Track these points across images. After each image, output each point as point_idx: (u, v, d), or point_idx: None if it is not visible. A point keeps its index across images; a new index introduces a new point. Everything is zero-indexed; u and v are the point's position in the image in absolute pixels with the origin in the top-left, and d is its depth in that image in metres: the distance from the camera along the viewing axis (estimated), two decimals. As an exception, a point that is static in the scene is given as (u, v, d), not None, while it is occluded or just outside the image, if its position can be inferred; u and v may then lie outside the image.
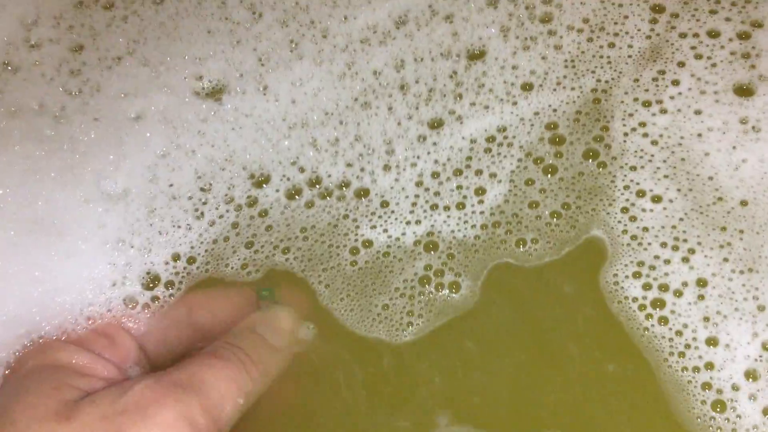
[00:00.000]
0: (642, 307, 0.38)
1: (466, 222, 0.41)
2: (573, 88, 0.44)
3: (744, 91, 0.44)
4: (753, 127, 0.43)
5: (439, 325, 0.39)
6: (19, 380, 0.32)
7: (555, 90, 0.45)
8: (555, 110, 0.44)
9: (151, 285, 0.39)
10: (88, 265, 0.39)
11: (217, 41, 0.48)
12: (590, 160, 0.42)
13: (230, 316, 0.37)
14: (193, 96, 0.46)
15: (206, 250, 0.41)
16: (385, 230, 0.41)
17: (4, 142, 0.44)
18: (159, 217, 0.41)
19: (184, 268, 0.40)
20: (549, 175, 0.42)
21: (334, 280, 0.40)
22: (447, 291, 0.39)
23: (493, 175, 0.42)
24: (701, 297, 0.38)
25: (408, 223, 0.41)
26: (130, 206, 0.41)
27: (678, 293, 0.38)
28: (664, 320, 0.38)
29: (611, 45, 0.46)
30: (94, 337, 0.35)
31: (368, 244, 0.41)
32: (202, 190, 0.42)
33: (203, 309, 0.38)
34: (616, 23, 0.47)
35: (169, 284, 0.39)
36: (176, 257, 0.40)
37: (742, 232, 0.40)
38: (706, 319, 0.38)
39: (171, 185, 0.42)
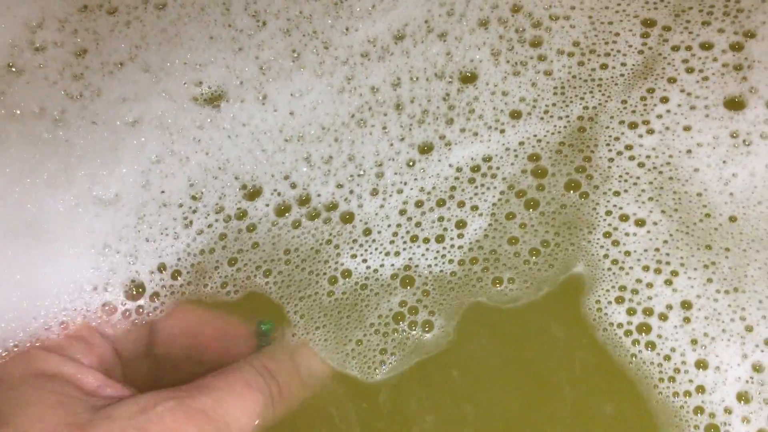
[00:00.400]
0: (628, 333, 0.37)
1: (444, 256, 0.41)
2: (560, 117, 0.44)
3: (735, 104, 0.43)
4: (744, 141, 0.42)
5: (411, 365, 0.38)
6: (14, 390, 0.32)
7: (542, 118, 0.44)
8: (539, 141, 0.43)
9: (134, 294, 0.39)
10: (70, 270, 0.39)
11: (219, 48, 0.48)
12: (572, 192, 0.42)
13: (213, 341, 0.37)
14: (191, 102, 0.46)
15: (191, 264, 0.40)
16: (365, 260, 0.41)
17: (1, 144, 0.44)
18: (147, 224, 0.41)
19: (170, 285, 0.40)
20: (530, 210, 0.41)
21: (310, 310, 0.40)
22: (420, 330, 0.39)
23: (474, 208, 0.42)
24: (687, 320, 0.38)
25: (387, 254, 0.41)
26: (119, 212, 0.41)
27: (663, 317, 0.38)
28: (651, 345, 0.37)
29: (603, 66, 0.45)
30: (68, 342, 0.35)
31: (347, 274, 0.40)
32: (193, 198, 0.42)
33: (186, 327, 0.38)
34: (606, 43, 0.46)
35: (155, 296, 0.39)
36: (162, 268, 0.40)
37: (728, 250, 0.39)
38: (694, 341, 0.37)
39: (162, 192, 0.42)
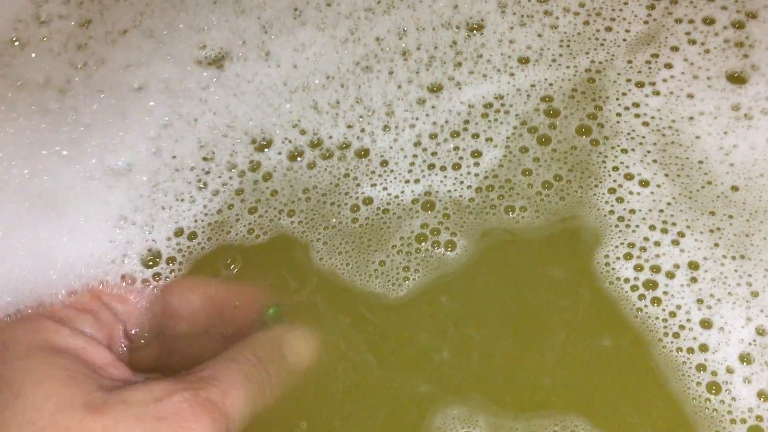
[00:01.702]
0: (634, 288, 0.37)
1: (462, 183, 0.40)
2: (568, 66, 0.44)
3: (736, 78, 0.43)
4: (745, 115, 0.42)
5: (434, 281, 0.38)
6: (23, 361, 0.31)
7: (551, 66, 0.44)
8: (551, 84, 0.43)
9: (150, 263, 0.38)
10: (87, 243, 0.38)
11: (222, 11, 0.47)
12: (583, 136, 0.41)
13: (212, 309, 0.36)
14: (195, 64, 0.45)
15: (209, 223, 0.40)
16: (385, 188, 0.40)
17: (10, 114, 0.43)
18: (162, 191, 0.40)
19: (187, 247, 0.39)
20: (543, 145, 0.41)
21: (333, 238, 0.39)
22: (443, 249, 0.39)
23: (489, 140, 0.41)
24: (694, 279, 0.37)
25: (407, 182, 0.40)
26: (133, 182, 0.41)
27: (670, 275, 0.37)
28: (657, 301, 0.37)
29: (608, 29, 0.45)
30: (78, 315, 0.34)
31: (369, 201, 0.40)
32: (204, 159, 0.41)
33: (187, 297, 0.37)
34: (613, 9, 0.46)
35: (171, 260, 0.39)
36: (179, 233, 0.39)
37: (731, 217, 0.39)
38: (700, 301, 0.37)
39: (174, 157, 0.42)
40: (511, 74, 0.43)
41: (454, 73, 0.43)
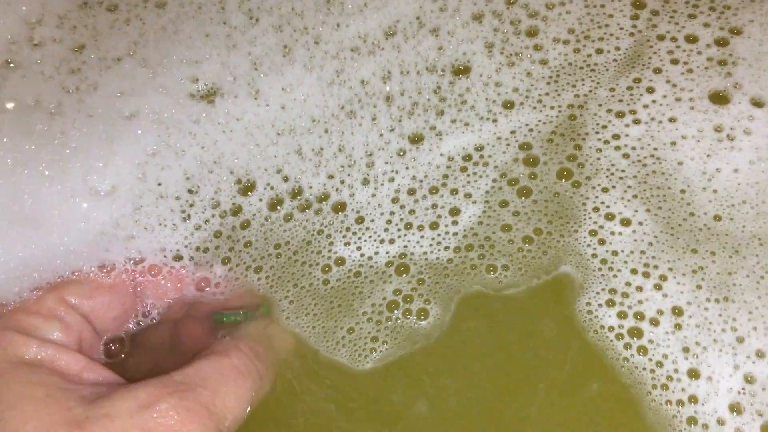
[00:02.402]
0: (619, 336, 0.37)
1: (439, 243, 0.41)
2: (552, 107, 0.44)
3: (719, 98, 0.44)
4: (728, 136, 0.42)
5: (403, 353, 0.38)
6: None
7: (535, 108, 0.44)
8: (531, 130, 0.44)
9: (135, 263, 0.39)
10: (68, 259, 0.39)
11: (214, 45, 0.48)
12: (564, 180, 0.42)
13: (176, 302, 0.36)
14: (187, 97, 0.46)
15: (190, 257, 0.41)
16: (359, 248, 0.41)
17: (-6, 135, 0.44)
18: (145, 214, 0.41)
19: (171, 266, 0.40)
20: (523, 198, 0.41)
21: (302, 298, 0.40)
22: (414, 318, 0.39)
23: (468, 195, 0.42)
24: (678, 326, 0.37)
25: (382, 241, 0.41)
26: (116, 202, 0.41)
27: (654, 322, 0.38)
28: (643, 350, 0.37)
29: (599, 51, 0.46)
30: (44, 322, 0.33)
31: (341, 262, 0.41)
32: (189, 191, 0.43)
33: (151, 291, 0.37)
34: (600, 27, 0.46)
35: (154, 267, 0.39)
36: (162, 250, 0.40)
37: (713, 254, 0.39)
38: (686, 349, 0.37)
39: (159, 184, 0.43)
40: (494, 121, 0.44)
41: (436, 122, 0.44)
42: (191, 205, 0.42)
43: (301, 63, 0.47)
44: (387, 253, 0.40)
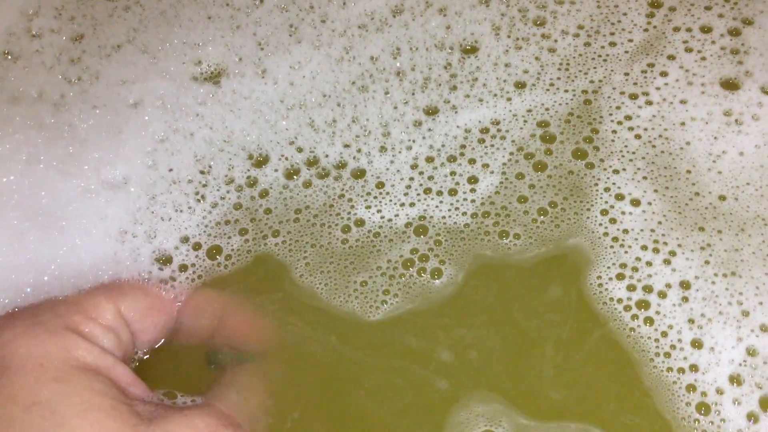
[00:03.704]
0: (627, 308, 0.38)
1: (457, 209, 0.41)
2: (566, 90, 0.45)
3: (730, 85, 0.45)
4: (736, 120, 0.43)
5: (413, 307, 0.38)
6: (63, 384, 0.30)
7: (548, 90, 0.45)
8: (547, 109, 0.44)
9: (162, 266, 0.39)
10: (91, 257, 0.39)
11: (217, 27, 0.48)
12: (579, 160, 0.42)
13: (237, 331, 0.37)
14: (192, 81, 0.46)
15: (209, 235, 0.40)
16: (379, 210, 0.41)
17: (6, 129, 0.44)
18: (161, 203, 0.41)
19: (195, 256, 0.40)
20: (539, 172, 0.42)
21: (319, 257, 0.40)
22: (429, 276, 0.39)
23: (485, 166, 0.42)
24: (685, 299, 0.38)
25: (402, 205, 0.41)
26: (131, 194, 0.41)
27: (662, 294, 0.38)
28: (649, 321, 0.38)
29: (612, 44, 0.47)
30: (103, 332, 0.33)
31: (361, 223, 0.41)
32: (201, 172, 0.42)
33: (211, 317, 0.38)
34: (612, 23, 0.47)
35: (182, 268, 0.39)
36: (185, 239, 0.40)
37: (720, 232, 0.40)
38: (691, 321, 0.37)
39: (171, 170, 0.42)
40: (508, 99, 0.44)
41: (449, 96, 0.44)
42: (204, 185, 0.42)
43: (309, 41, 0.47)
44: (407, 215, 0.41)
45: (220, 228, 0.41)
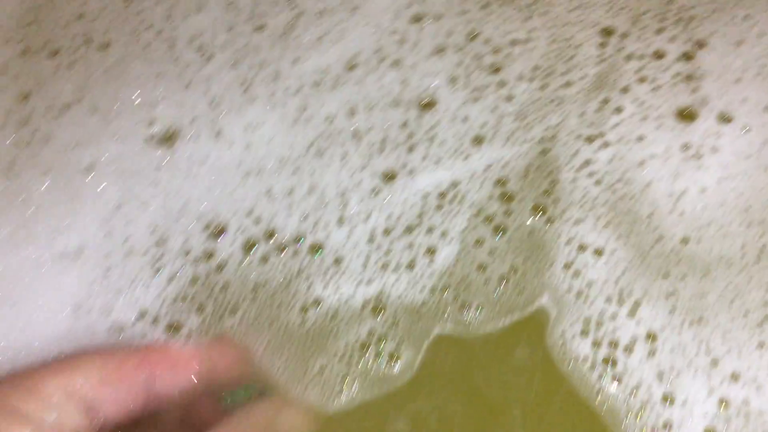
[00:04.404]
0: (593, 366, 0.38)
1: (415, 284, 0.41)
2: (524, 141, 0.45)
3: (686, 115, 0.45)
4: (695, 154, 0.43)
5: (372, 394, 0.38)
6: None
7: (505, 144, 0.45)
8: (505, 165, 0.44)
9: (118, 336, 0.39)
10: (45, 334, 0.39)
11: (167, 85, 0.48)
12: (539, 216, 0.42)
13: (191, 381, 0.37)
14: (145, 143, 0.46)
15: (166, 312, 0.40)
16: (337, 289, 0.41)
17: (-46, 198, 0.43)
18: (116, 275, 0.41)
19: (153, 332, 0.40)
20: (498, 235, 0.42)
21: (275, 340, 0.40)
22: (386, 359, 0.39)
23: (444, 234, 0.42)
24: (652, 352, 0.38)
25: (359, 282, 0.41)
26: (85, 265, 0.41)
27: (628, 349, 0.38)
28: (617, 378, 0.38)
29: (566, 84, 0.47)
30: (43, 408, 0.33)
31: (318, 303, 0.41)
32: (157, 244, 0.42)
33: (164, 369, 0.37)
34: (568, 60, 0.47)
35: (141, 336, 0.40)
36: (142, 314, 0.40)
37: (685, 277, 0.40)
38: (660, 374, 0.38)
39: (126, 240, 0.42)
40: (466, 157, 0.45)
41: (407, 159, 0.45)
42: (161, 257, 0.41)
43: (262, 100, 0.47)
44: (364, 294, 0.41)
45: (177, 305, 0.41)
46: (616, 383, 0.38)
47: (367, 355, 0.39)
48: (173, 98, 0.47)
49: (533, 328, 0.39)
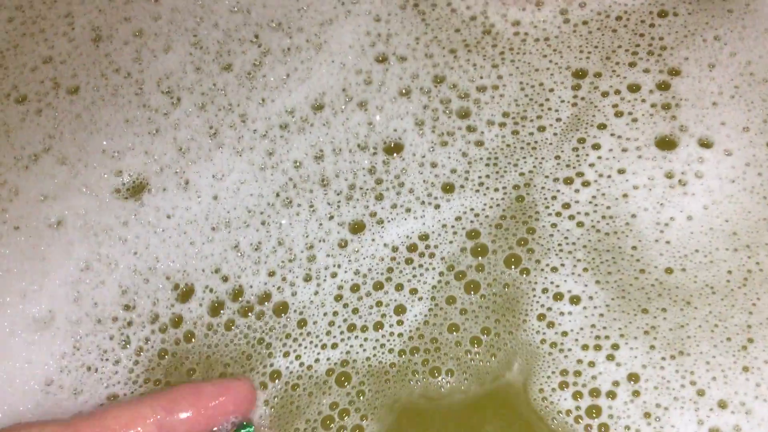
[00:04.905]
0: (578, 419, 0.37)
1: (383, 346, 0.40)
2: (496, 189, 0.44)
3: (667, 143, 0.44)
4: (680, 181, 0.43)
5: None
6: None
7: (477, 191, 0.44)
8: (477, 215, 0.43)
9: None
10: (13, 409, 0.39)
11: (136, 131, 0.47)
12: (513, 268, 0.41)
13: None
14: (114, 195, 0.45)
15: (132, 392, 0.40)
16: (298, 356, 0.40)
17: None
18: (86, 348, 0.41)
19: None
20: (471, 293, 0.41)
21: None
22: None
23: (413, 291, 0.41)
24: (636, 393, 0.37)
25: (324, 346, 0.40)
26: (56, 336, 0.41)
27: (611, 395, 0.38)
28: (604, 427, 0.37)
29: (541, 129, 0.45)
30: None
31: (277, 375, 0.39)
32: (126, 308, 0.42)
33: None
34: (540, 105, 0.46)
35: None
36: (112, 398, 0.40)
37: (664, 310, 0.39)
38: (647, 415, 0.37)
39: (95, 304, 0.42)
40: (436, 206, 0.43)
41: (375, 207, 0.44)
42: (129, 324, 0.41)
43: (230, 146, 0.46)
44: (328, 359, 0.40)
45: (148, 386, 0.40)
46: (603, 431, 0.37)
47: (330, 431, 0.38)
48: (141, 147, 0.47)
49: (512, 386, 0.38)
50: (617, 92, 0.46)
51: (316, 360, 0.40)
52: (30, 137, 0.48)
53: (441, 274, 0.41)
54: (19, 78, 0.50)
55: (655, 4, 0.49)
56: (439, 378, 0.39)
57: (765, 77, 0.46)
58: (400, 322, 0.40)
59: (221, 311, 0.42)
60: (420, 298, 0.41)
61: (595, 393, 0.38)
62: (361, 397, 0.39)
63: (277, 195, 0.44)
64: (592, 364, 0.38)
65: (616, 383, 0.38)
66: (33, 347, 0.41)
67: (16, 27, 0.52)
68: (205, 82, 0.48)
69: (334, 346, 0.40)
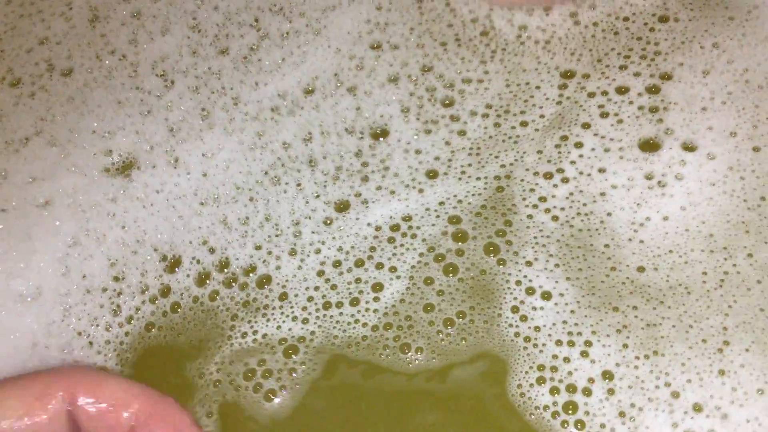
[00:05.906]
0: (555, 414, 0.37)
1: (357, 321, 0.41)
2: (478, 178, 0.45)
3: (650, 146, 0.44)
4: (659, 182, 0.43)
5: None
6: None
7: (460, 179, 0.45)
8: (460, 201, 0.44)
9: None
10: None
11: (127, 113, 0.48)
12: (491, 256, 0.42)
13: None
14: (103, 174, 0.46)
15: (124, 359, 0.41)
16: (278, 326, 0.41)
17: None
18: (75, 315, 0.42)
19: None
20: (449, 276, 0.42)
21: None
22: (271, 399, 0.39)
23: (393, 269, 0.42)
24: (611, 391, 0.38)
25: (294, 319, 0.41)
26: (44, 306, 0.42)
27: (587, 392, 0.38)
28: (580, 424, 0.37)
29: (523, 124, 0.46)
30: None
31: (245, 335, 0.41)
32: (115, 279, 0.42)
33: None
34: (525, 101, 0.47)
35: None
36: (104, 358, 0.41)
37: (636, 308, 0.40)
38: (622, 414, 0.37)
39: (84, 277, 0.43)
40: (420, 190, 0.45)
41: (361, 188, 0.45)
42: (119, 294, 0.42)
43: (221, 126, 0.47)
44: (302, 328, 0.41)
45: (136, 354, 0.41)
46: (579, 429, 0.37)
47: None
48: (132, 127, 0.48)
49: (487, 380, 0.39)
50: (604, 93, 0.47)
51: (290, 329, 0.41)
52: (22, 121, 0.49)
53: (421, 254, 0.42)
54: (15, 60, 0.51)
55: (658, 8, 0.49)
56: (408, 354, 0.40)
57: (760, 84, 0.46)
58: (376, 299, 0.41)
59: (208, 280, 0.43)
60: (398, 277, 0.42)
61: (571, 389, 0.38)
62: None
63: (266, 173, 0.45)
64: (567, 359, 0.39)
65: (591, 380, 0.38)
66: (21, 317, 0.42)
67: (14, 9, 0.53)
68: (201, 65, 0.50)
69: (305, 321, 0.41)
